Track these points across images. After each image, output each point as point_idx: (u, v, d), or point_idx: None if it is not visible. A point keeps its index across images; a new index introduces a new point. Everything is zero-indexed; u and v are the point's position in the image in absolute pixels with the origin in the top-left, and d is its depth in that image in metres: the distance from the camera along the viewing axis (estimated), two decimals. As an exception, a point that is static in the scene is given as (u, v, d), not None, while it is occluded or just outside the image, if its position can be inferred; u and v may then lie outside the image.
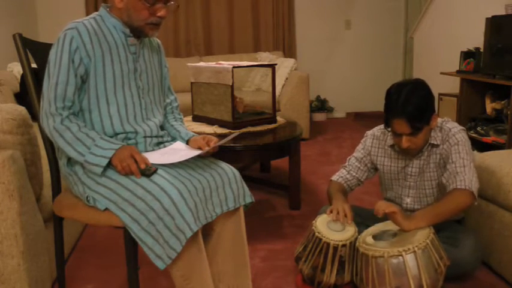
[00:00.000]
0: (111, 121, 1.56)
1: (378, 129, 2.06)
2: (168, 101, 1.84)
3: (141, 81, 1.63)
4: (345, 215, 1.83)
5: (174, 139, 1.77)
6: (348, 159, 2.13)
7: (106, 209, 1.45)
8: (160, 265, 1.37)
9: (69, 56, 1.47)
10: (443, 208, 1.73)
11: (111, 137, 1.55)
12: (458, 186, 1.73)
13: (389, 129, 1.88)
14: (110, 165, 1.46)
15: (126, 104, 1.58)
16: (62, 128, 1.47)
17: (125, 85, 1.58)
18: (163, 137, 1.71)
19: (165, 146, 1.70)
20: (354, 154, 2.11)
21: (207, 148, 1.61)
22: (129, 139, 1.58)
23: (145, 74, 1.65)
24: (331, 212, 1.86)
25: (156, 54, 1.75)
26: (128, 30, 1.58)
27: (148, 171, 1.43)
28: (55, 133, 1.48)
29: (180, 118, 1.87)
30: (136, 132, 1.59)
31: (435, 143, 1.88)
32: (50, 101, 1.47)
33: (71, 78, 1.48)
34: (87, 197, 1.49)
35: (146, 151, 1.61)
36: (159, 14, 1.54)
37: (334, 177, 2.10)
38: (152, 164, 1.48)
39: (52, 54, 1.50)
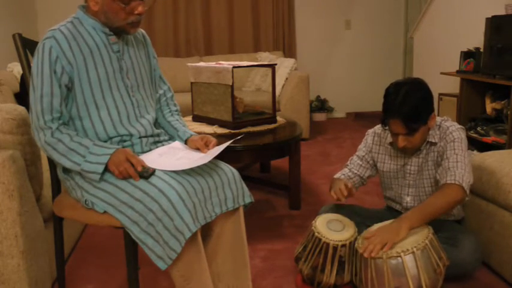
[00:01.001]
0: (103, 126, 1.53)
1: (379, 127, 2.07)
2: (161, 92, 1.80)
3: (129, 79, 1.60)
4: (345, 198, 1.84)
5: (171, 137, 1.76)
6: (350, 158, 2.14)
7: (105, 211, 1.45)
8: (162, 266, 1.37)
9: (50, 66, 1.45)
10: (433, 205, 1.70)
11: (105, 141, 1.53)
12: (448, 181, 1.73)
13: (386, 127, 1.88)
14: (106, 170, 1.45)
15: (117, 105, 1.56)
16: (53, 141, 1.45)
17: (112, 87, 1.55)
18: (159, 136, 1.69)
19: (162, 146, 1.68)
20: (356, 153, 2.12)
21: (207, 158, 1.55)
22: (124, 141, 1.57)
23: (133, 71, 1.62)
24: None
25: (142, 47, 1.70)
26: (107, 30, 1.54)
27: (146, 173, 1.42)
28: (47, 147, 1.46)
29: (176, 110, 1.82)
30: (131, 135, 1.57)
31: (433, 141, 1.88)
32: (38, 114, 1.45)
33: (55, 89, 1.45)
34: (85, 201, 1.48)
35: (143, 152, 1.60)
36: (136, 11, 1.50)
37: (337, 175, 2.10)
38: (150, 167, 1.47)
39: (34, 66, 1.47)
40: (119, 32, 1.56)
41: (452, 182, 1.72)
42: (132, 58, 1.63)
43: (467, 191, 1.73)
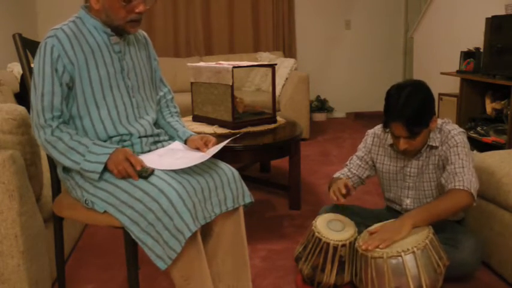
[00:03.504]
0: (103, 125, 1.54)
1: (379, 127, 2.06)
2: (161, 93, 1.81)
3: (130, 80, 1.60)
4: (344, 198, 1.86)
5: (171, 138, 1.76)
6: (349, 158, 2.14)
7: (105, 211, 1.45)
8: (161, 265, 1.37)
9: (51, 65, 1.45)
10: (440, 208, 1.70)
11: (105, 141, 1.54)
12: (457, 187, 1.72)
13: (387, 130, 1.88)
14: (106, 169, 1.45)
15: (117, 105, 1.56)
16: (53, 139, 1.45)
17: (113, 87, 1.55)
18: (159, 136, 1.69)
19: (162, 146, 1.69)
20: (356, 153, 2.12)
21: (207, 156, 1.56)
22: (124, 141, 1.57)
23: (134, 72, 1.62)
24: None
25: (144, 49, 1.71)
26: (109, 30, 1.54)
27: (145, 173, 1.42)
28: (47, 145, 1.47)
29: (176, 112, 1.83)
30: (130, 134, 1.58)
31: (434, 144, 1.87)
32: (38, 112, 1.46)
33: (56, 88, 1.46)
34: (85, 201, 1.48)
35: (143, 152, 1.60)
36: (137, 10, 1.50)
37: (336, 175, 2.10)
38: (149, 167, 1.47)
39: (35, 64, 1.48)
40: (120, 32, 1.56)
41: (461, 187, 1.71)
42: (134, 59, 1.63)
43: (475, 197, 1.72)
